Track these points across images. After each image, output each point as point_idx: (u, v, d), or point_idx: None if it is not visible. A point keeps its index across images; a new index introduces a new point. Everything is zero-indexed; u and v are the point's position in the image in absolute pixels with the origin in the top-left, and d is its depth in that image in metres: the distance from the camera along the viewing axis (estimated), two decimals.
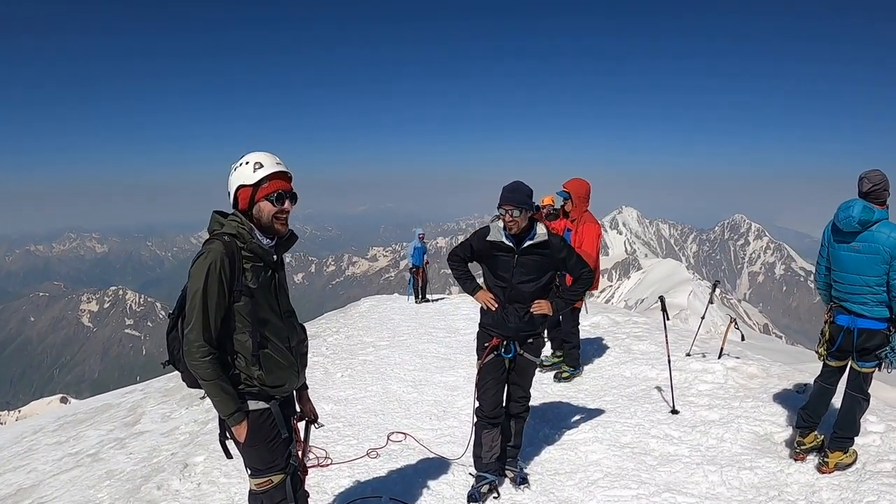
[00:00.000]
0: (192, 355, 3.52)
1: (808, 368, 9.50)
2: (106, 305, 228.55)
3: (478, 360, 5.72)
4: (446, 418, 7.87)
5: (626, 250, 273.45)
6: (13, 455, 9.06)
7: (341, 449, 6.97)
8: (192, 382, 3.83)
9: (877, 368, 5.79)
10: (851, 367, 5.88)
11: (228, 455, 3.97)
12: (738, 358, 9.25)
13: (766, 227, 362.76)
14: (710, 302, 10.32)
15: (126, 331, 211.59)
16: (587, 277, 5.65)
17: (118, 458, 7.70)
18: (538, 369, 7.25)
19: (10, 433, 11.23)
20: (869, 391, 5.88)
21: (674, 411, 7.52)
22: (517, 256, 5.41)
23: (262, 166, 3.68)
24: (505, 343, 5.59)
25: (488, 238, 5.49)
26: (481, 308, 5.65)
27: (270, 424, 3.84)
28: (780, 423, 6.99)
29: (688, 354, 9.51)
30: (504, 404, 5.79)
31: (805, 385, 7.94)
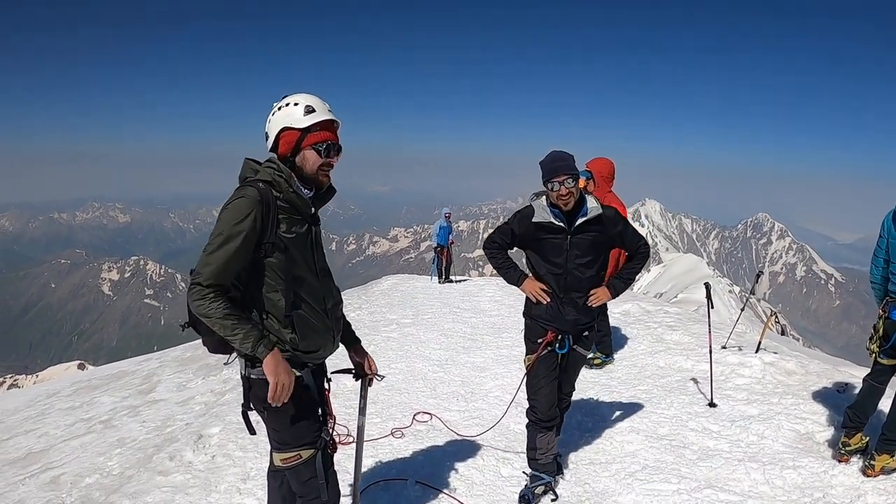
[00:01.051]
0: (197, 297, 3.12)
1: (845, 368, 9.19)
2: (126, 275, 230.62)
3: (526, 355, 5.21)
4: (474, 399, 7.62)
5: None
6: (25, 418, 8.94)
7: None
8: (214, 347, 3.49)
9: None
10: None
11: (252, 430, 3.55)
12: (775, 353, 8.92)
13: (790, 227, 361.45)
14: (752, 293, 10.01)
15: (145, 300, 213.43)
16: (644, 252, 5.10)
17: (131, 425, 7.55)
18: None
19: (25, 396, 11.12)
20: None
21: (711, 404, 7.22)
22: (570, 237, 4.79)
23: (313, 111, 3.32)
24: (560, 338, 5.04)
25: (534, 219, 4.84)
26: (528, 299, 5.09)
27: (302, 393, 3.46)
28: (822, 422, 6.67)
29: (723, 347, 9.22)
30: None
31: (846, 384, 7.63)
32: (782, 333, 9.54)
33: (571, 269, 4.86)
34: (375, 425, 6.75)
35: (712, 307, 8.03)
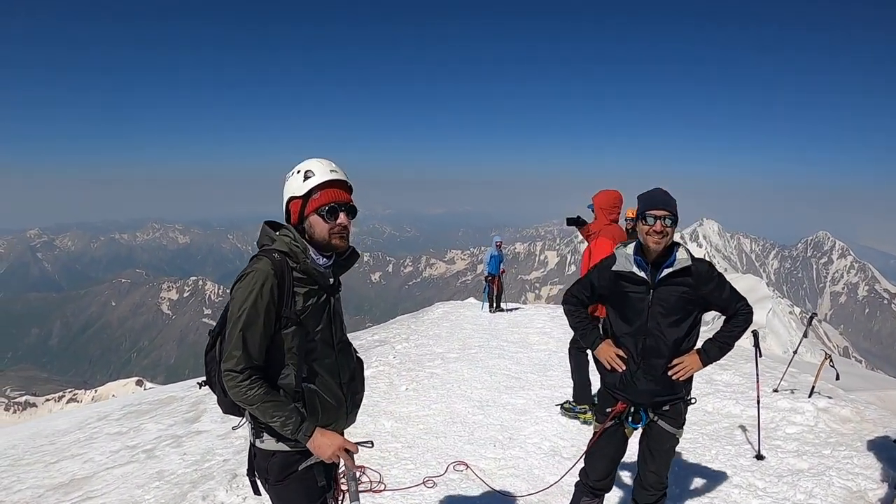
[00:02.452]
0: (233, 386, 3.07)
1: None
2: (185, 294, 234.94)
3: (595, 423, 4.65)
4: (511, 447, 7.40)
5: None
6: (74, 441, 9.09)
7: (397, 473, 6.59)
8: (227, 408, 3.40)
9: None
10: None
11: (257, 492, 3.46)
12: (830, 398, 8.57)
13: (851, 245, 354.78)
14: (805, 335, 9.66)
15: (203, 320, 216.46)
16: (746, 314, 4.36)
17: (172, 456, 7.62)
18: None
19: (76, 418, 11.30)
20: None
21: (759, 457, 6.92)
22: (652, 291, 4.20)
23: (312, 175, 3.24)
24: (632, 410, 4.42)
25: (614, 268, 4.32)
26: (601, 364, 4.50)
27: (307, 479, 3.35)
28: (875, 477, 6.34)
29: (775, 390, 8.92)
30: (631, 489, 4.76)
31: None
32: (837, 378, 9.13)
33: (652, 330, 4.24)
34: (409, 472, 6.64)
35: (760, 355, 7.72)
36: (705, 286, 4.21)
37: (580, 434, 7.72)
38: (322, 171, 3.25)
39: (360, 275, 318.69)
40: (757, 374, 7.57)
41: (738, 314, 4.35)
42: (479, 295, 22.06)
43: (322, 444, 3.20)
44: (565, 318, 4.76)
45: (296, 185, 3.26)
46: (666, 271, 4.16)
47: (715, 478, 6.50)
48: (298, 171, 3.27)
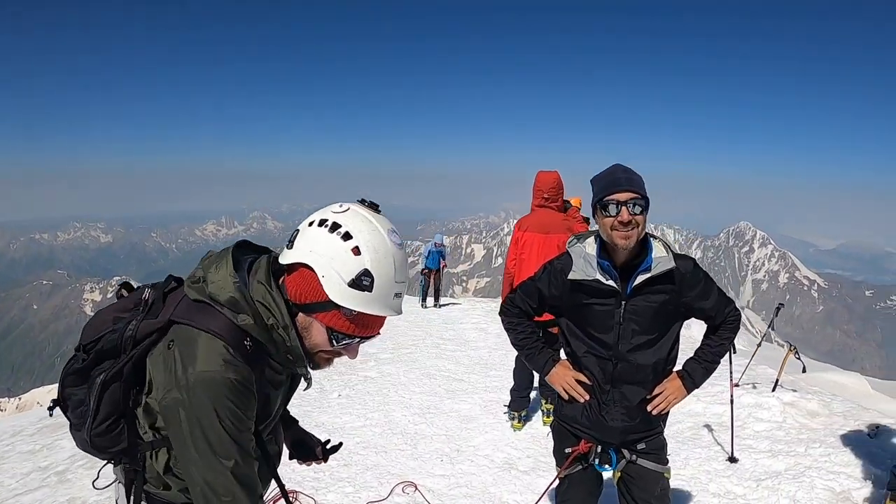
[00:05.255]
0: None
1: (872, 405, 8.43)
2: (109, 295, 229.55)
3: (557, 466, 3.66)
4: (461, 461, 6.68)
5: None
6: None
7: (334, 498, 5.79)
8: (82, 444, 2.33)
9: None
10: None
11: None
12: (794, 391, 8.14)
13: (771, 235, 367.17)
14: (771, 328, 9.17)
15: None
16: (734, 320, 3.44)
17: (84, 481, 6.70)
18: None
19: None
20: None
21: (732, 459, 6.37)
22: (624, 303, 3.20)
23: (368, 288, 1.98)
24: (598, 450, 3.46)
25: (571, 276, 3.25)
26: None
27: None
28: (857, 475, 5.87)
29: (736, 385, 8.40)
30: None
31: (877, 427, 6.86)
32: (804, 371, 8.67)
33: (625, 353, 3.27)
34: (348, 496, 5.84)
35: (734, 352, 7.14)
36: (690, 291, 3.26)
37: (534, 443, 7.10)
38: (386, 290, 2.03)
39: None
40: (731, 373, 7.00)
41: (727, 322, 3.44)
42: (411, 290, 21.46)
43: None
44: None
45: (337, 276, 1.98)
46: (641, 278, 3.15)
47: (688, 486, 5.92)
48: (357, 250, 1.97)
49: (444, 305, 20.07)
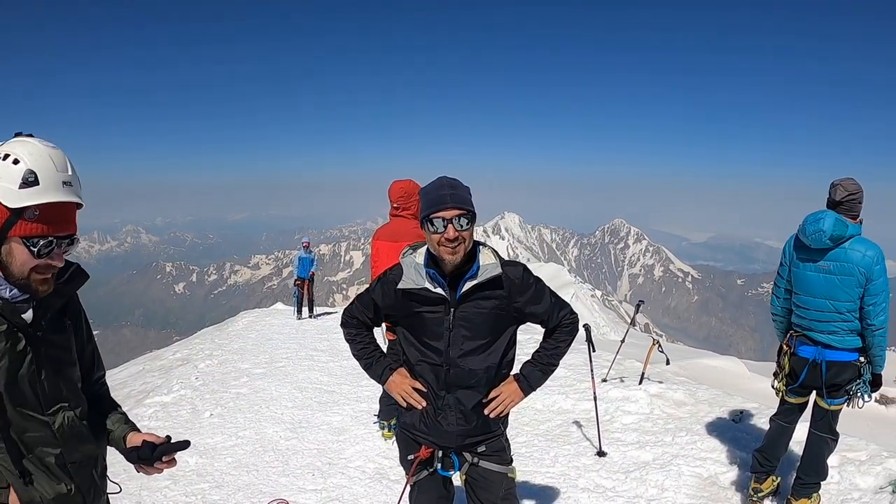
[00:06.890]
0: None
1: (736, 392, 8.79)
2: None
3: (405, 472, 3.62)
4: (332, 474, 6.45)
5: (508, 256, 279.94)
6: None
7: None
8: None
9: (846, 404, 4.96)
10: (817, 404, 5.05)
11: None
12: (660, 382, 8.35)
13: (645, 230, 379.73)
14: (632, 324, 9.38)
15: None
16: (570, 323, 3.48)
17: None
18: None
19: None
20: (837, 429, 5.05)
21: (601, 453, 6.44)
22: (453, 311, 3.24)
23: (35, 183, 2.07)
24: (440, 454, 3.47)
25: (400, 286, 3.29)
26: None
27: None
28: (723, 460, 6.09)
29: (604, 380, 8.54)
30: None
31: (740, 412, 7.16)
32: (668, 364, 8.89)
33: (456, 359, 3.28)
34: None
35: (594, 350, 7.24)
36: (521, 296, 3.31)
37: None
38: (52, 180, 2.11)
39: (164, 286, 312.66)
40: (592, 370, 7.08)
41: (562, 325, 3.46)
42: (288, 300, 21.19)
43: None
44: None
45: (6, 185, 2.07)
46: (469, 284, 3.19)
47: (558, 483, 5.94)
48: (17, 161, 2.07)
49: (319, 315, 19.90)
